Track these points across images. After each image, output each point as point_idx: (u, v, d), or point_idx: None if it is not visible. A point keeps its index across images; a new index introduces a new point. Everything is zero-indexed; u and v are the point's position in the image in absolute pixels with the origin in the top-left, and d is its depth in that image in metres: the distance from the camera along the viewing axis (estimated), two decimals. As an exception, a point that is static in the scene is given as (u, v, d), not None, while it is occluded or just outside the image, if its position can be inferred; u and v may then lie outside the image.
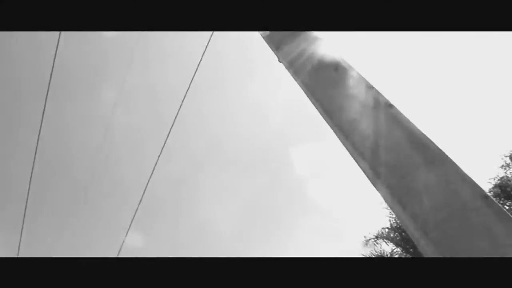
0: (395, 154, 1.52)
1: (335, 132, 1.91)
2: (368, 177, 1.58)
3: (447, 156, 1.45)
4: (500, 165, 18.23)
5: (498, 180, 17.70)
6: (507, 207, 14.15)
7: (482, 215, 1.15)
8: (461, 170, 1.39)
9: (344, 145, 1.86)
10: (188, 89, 4.24)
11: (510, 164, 17.88)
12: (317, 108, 2.02)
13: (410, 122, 1.62)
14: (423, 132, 1.58)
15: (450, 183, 1.32)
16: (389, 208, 1.43)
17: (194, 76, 4.14)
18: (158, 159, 5.36)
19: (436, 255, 1.14)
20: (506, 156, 18.13)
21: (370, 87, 1.83)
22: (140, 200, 6.05)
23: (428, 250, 1.18)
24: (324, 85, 1.93)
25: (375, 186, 1.52)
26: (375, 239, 14.52)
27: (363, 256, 13.62)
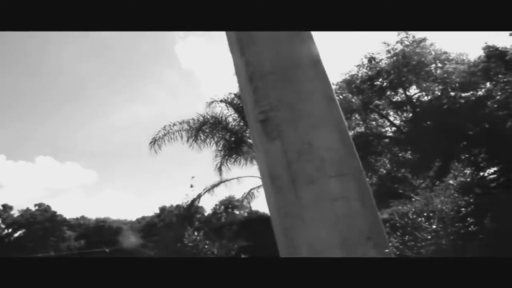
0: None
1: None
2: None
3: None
4: (357, 64, 20.59)
5: (349, 76, 20.18)
6: (341, 97, 16.25)
7: (308, 79, 1.20)
8: (312, 46, 1.38)
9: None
10: None
11: (366, 65, 20.34)
12: None
13: None
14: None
15: (295, 49, 1.29)
16: (230, 52, 1.37)
17: None
18: None
19: (252, 102, 1.17)
20: (366, 58, 20.38)
21: None
22: None
23: (248, 100, 1.21)
24: None
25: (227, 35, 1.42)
26: (219, 102, 14.78)
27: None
